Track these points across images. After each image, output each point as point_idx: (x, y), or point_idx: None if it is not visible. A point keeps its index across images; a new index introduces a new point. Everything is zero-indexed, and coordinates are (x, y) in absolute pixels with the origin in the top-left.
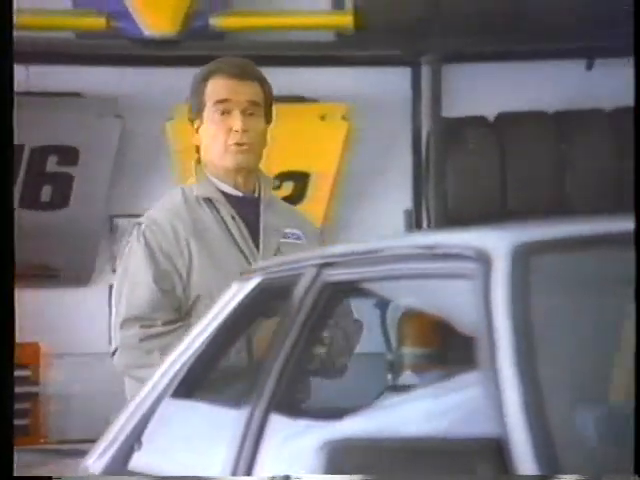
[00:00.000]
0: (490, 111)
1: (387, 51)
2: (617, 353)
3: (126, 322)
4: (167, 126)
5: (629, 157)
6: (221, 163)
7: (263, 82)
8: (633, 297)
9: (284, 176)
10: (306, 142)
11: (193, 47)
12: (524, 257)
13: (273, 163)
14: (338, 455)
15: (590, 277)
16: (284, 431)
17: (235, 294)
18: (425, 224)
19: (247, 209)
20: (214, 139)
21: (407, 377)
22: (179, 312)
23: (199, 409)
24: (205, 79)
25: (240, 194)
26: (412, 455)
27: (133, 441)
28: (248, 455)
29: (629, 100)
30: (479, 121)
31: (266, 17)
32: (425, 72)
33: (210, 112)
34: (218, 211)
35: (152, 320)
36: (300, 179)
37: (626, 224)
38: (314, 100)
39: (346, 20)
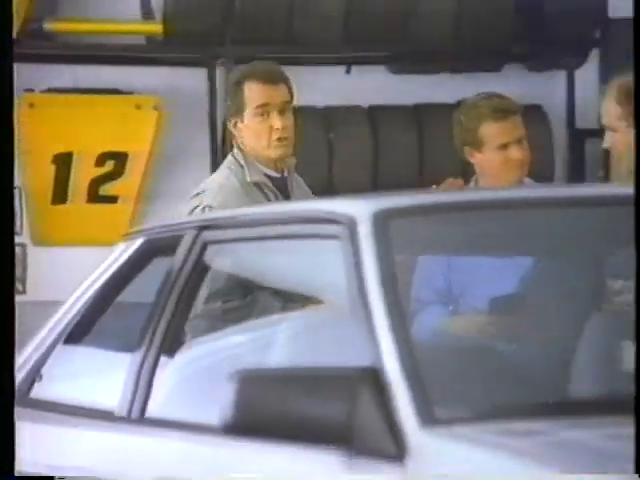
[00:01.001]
0: None
1: (189, 54)
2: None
3: (210, 297)
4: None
5: (383, 143)
6: (266, 154)
7: (289, 83)
8: (473, 249)
9: (106, 155)
10: (124, 127)
11: (30, 46)
12: (383, 220)
13: (98, 144)
14: (233, 386)
15: (437, 236)
16: (173, 370)
17: (121, 252)
18: None
19: (281, 186)
20: (258, 136)
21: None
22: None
23: (91, 353)
24: (240, 83)
25: (278, 175)
26: (302, 383)
27: (34, 375)
28: (143, 392)
29: (382, 99)
30: None
31: (90, 23)
32: (219, 72)
33: (251, 114)
34: (263, 191)
35: (231, 295)
36: (120, 158)
37: (462, 195)
38: (130, 92)
39: (157, 28)
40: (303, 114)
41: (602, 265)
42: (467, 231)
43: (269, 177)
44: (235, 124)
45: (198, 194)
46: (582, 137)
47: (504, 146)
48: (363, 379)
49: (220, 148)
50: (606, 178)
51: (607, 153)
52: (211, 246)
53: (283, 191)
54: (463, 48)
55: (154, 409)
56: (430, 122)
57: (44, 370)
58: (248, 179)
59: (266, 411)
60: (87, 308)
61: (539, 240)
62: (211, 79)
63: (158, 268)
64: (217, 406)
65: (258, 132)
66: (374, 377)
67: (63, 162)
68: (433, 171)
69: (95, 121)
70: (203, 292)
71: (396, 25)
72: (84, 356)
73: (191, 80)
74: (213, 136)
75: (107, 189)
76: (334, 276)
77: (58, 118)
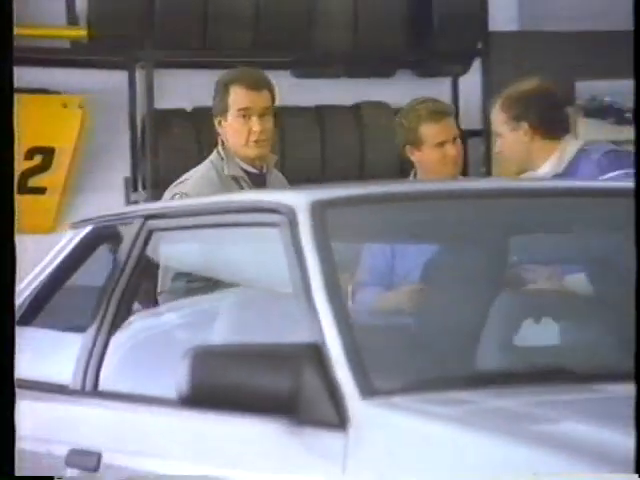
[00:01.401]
0: (188, 104)
1: (111, 57)
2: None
3: (176, 276)
4: None
5: (288, 141)
6: (244, 152)
7: (272, 89)
8: (403, 236)
9: (34, 150)
10: (51, 124)
11: None
12: (320, 210)
13: (28, 139)
14: (188, 361)
15: (371, 225)
16: (118, 345)
17: (70, 240)
18: (140, 188)
19: (259, 181)
20: (238, 135)
21: None
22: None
23: (42, 334)
24: (227, 86)
25: (256, 171)
26: (251, 358)
27: None
28: (94, 367)
29: (286, 101)
30: (180, 112)
31: (19, 27)
32: (139, 74)
33: (234, 116)
34: (240, 184)
35: (195, 276)
36: (47, 153)
37: (391, 187)
38: (57, 92)
39: (81, 33)
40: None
41: (507, 250)
42: (396, 220)
43: (247, 172)
44: (220, 122)
45: (180, 182)
46: (465, 137)
47: (441, 144)
48: (307, 355)
49: (140, 145)
50: (487, 173)
51: (488, 152)
52: (156, 233)
53: (260, 185)
54: (360, 55)
55: (106, 382)
56: (330, 122)
57: None
58: (226, 172)
59: (218, 384)
60: (38, 291)
61: (456, 227)
62: (131, 81)
63: (105, 254)
64: (155, 378)
65: (239, 132)
66: (317, 353)
67: None
68: (334, 168)
69: (24, 118)
70: (170, 270)
71: (300, 33)
72: (37, 336)
73: (113, 81)
74: (133, 133)
75: (36, 181)
76: (276, 261)
77: None
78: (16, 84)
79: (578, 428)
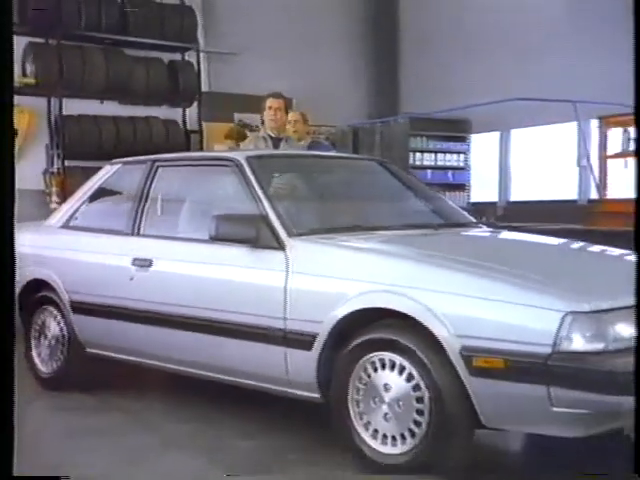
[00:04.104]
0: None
1: (41, 93)
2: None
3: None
4: None
5: None
6: (269, 127)
7: (285, 99)
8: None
9: None
10: (15, 119)
11: None
12: (255, 160)
13: None
14: (213, 221)
15: (273, 166)
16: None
17: (105, 172)
18: (54, 149)
19: (276, 142)
20: (267, 119)
21: None
22: None
23: (83, 234)
24: (265, 98)
25: (274, 136)
26: (239, 220)
27: (71, 217)
28: (137, 225)
29: None
30: (73, 117)
31: None
32: (54, 100)
33: (266, 110)
34: (267, 142)
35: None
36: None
37: (283, 152)
38: (18, 105)
39: (31, 80)
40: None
41: (316, 175)
42: (283, 163)
43: (270, 136)
44: (262, 113)
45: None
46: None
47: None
48: (261, 219)
49: (54, 130)
50: None
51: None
52: (160, 169)
53: (277, 145)
54: (153, 94)
55: (144, 230)
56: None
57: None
58: (261, 135)
59: (227, 231)
60: (85, 201)
61: (302, 167)
62: (49, 102)
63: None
64: (187, 232)
65: (266, 116)
66: (265, 218)
67: None
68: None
69: None
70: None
71: None
72: (82, 236)
73: (41, 102)
74: (49, 126)
75: None
76: (232, 184)
77: None
78: None
79: (440, 250)
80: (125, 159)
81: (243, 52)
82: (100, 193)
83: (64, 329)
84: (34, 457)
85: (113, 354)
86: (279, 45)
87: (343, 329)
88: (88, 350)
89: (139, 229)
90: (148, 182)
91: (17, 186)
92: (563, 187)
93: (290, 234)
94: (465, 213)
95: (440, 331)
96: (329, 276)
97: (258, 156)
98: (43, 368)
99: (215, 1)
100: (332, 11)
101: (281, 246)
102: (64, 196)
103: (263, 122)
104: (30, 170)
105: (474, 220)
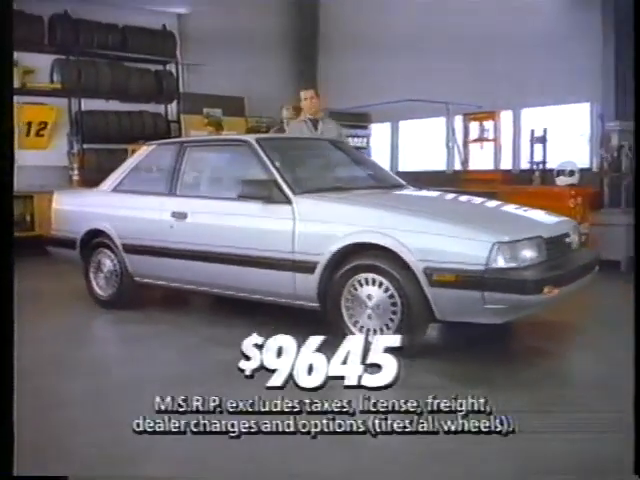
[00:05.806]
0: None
1: (63, 95)
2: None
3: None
4: None
5: None
6: (308, 112)
7: (317, 90)
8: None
9: (40, 122)
10: (46, 113)
11: None
12: (262, 141)
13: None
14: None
15: (279, 146)
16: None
17: (144, 151)
18: (76, 139)
19: (315, 124)
20: (304, 106)
21: None
22: None
23: (131, 195)
24: (300, 91)
25: (313, 119)
26: (247, 181)
27: (119, 183)
28: (174, 187)
29: None
30: (91, 112)
31: (36, 83)
32: (74, 100)
33: (303, 99)
34: (307, 124)
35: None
36: (45, 123)
37: (283, 135)
38: (46, 104)
39: (58, 86)
40: None
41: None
42: (288, 145)
43: (309, 119)
44: (301, 103)
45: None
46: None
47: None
48: (271, 182)
49: (74, 123)
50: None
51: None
52: (188, 148)
53: (315, 126)
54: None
55: (179, 191)
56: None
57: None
58: (302, 118)
59: (249, 189)
60: (129, 172)
61: (304, 148)
62: (70, 102)
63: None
64: (214, 192)
65: (304, 105)
66: (275, 182)
67: None
68: None
69: (35, 112)
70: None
71: None
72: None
73: (63, 102)
74: (71, 118)
75: (40, 132)
76: (245, 161)
77: None
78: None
79: (401, 201)
80: (159, 141)
81: (208, 63)
82: (140, 166)
83: (117, 265)
84: (101, 354)
85: (156, 281)
86: (232, 55)
87: (337, 258)
88: (136, 279)
89: (176, 190)
90: (179, 157)
91: (48, 163)
92: (436, 161)
93: (295, 193)
94: (399, 178)
95: (409, 257)
96: (326, 221)
97: (265, 138)
98: (102, 293)
99: (188, 27)
100: (267, 16)
101: (288, 201)
102: (82, 170)
103: (302, 108)
104: (57, 152)
105: (405, 183)
